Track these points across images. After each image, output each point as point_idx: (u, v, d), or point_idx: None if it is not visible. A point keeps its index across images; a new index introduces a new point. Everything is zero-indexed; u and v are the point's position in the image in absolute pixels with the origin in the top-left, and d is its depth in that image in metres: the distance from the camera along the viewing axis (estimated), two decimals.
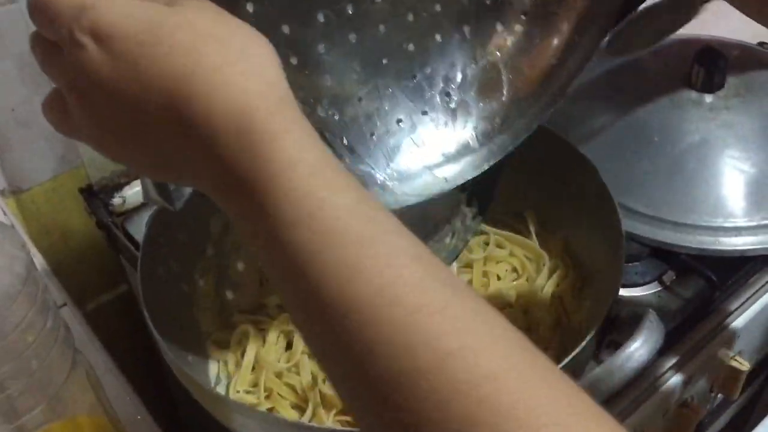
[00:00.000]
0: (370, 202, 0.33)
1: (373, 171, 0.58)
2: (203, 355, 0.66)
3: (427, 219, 0.65)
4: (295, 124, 0.33)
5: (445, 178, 0.58)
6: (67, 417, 0.59)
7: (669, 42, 0.92)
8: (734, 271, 0.76)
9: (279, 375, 0.64)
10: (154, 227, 0.64)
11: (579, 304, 0.66)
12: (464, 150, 0.60)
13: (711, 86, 0.80)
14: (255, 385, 0.64)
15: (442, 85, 0.60)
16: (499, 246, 0.69)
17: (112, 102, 0.34)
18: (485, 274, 0.67)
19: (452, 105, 0.60)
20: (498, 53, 0.60)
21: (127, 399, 0.72)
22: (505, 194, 0.74)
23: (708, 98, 0.80)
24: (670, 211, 0.75)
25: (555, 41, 0.60)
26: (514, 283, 0.67)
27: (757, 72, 0.83)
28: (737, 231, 0.74)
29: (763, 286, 0.75)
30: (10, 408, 0.56)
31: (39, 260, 0.82)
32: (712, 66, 0.79)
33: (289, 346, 0.66)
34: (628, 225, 0.66)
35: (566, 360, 0.52)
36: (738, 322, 0.74)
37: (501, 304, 0.66)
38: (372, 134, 0.58)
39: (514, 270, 0.69)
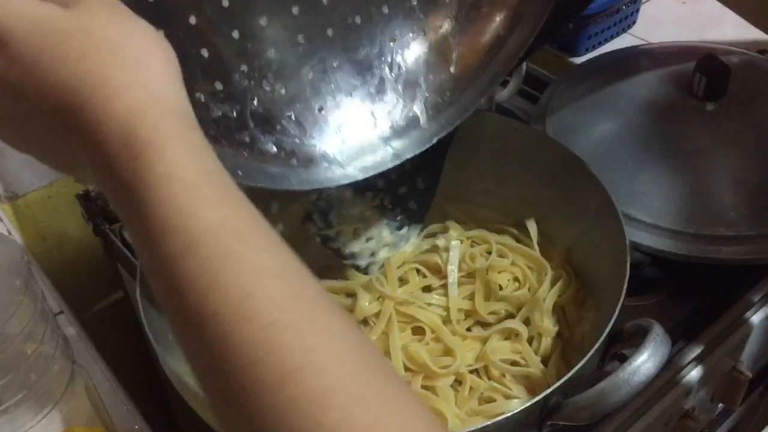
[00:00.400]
0: (243, 220, 0.33)
1: (319, 145, 0.58)
2: None
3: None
4: (179, 137, 0.33)
5: (395, 153, 0.58)
6: (65, 428, 0.58)
7: (670, 50, 0.92)
8: (736, 280, 0.75)
9: None
10: None
11: (581, 314, 0.65)
12: (413, 124, 0.60)
13: (713, 94, 0.79)
14: None
15: (391, 58, 0.60)
16: (502, 255, 0.69)
17: (11, 101, 0.35)
18: (487, 283, 0.66)
19: (402, 78, 0.60)
20: (446, 25, 0.59)
21: (124, 409, 0.71)
22: (506, 203, 0.74)
23: (709, 106, 0.79)
24: (672, 220, 0.74)
25: (502, 11, 0.59)
26: (516, 293, 0.66)
27: (759, 80, 0.83)
28: (739, 240, 0.74)
29: (764, 295, 0.75)
30: (7, 420, 0.55)
31: (35, 267, 0.81)
32: (714, 74, 0.78)
33: None
34: (630, 233, 0.65)
35: (569, 374, 0.51)
36: (740, 331, 0.73)
37: (502, 314, 0.66)
38: (321, 109, 0.58)
39: (516, 279, 0.68)
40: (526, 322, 0.65)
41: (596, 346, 0.53)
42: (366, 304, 0.64)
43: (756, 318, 0.74)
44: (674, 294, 0.75)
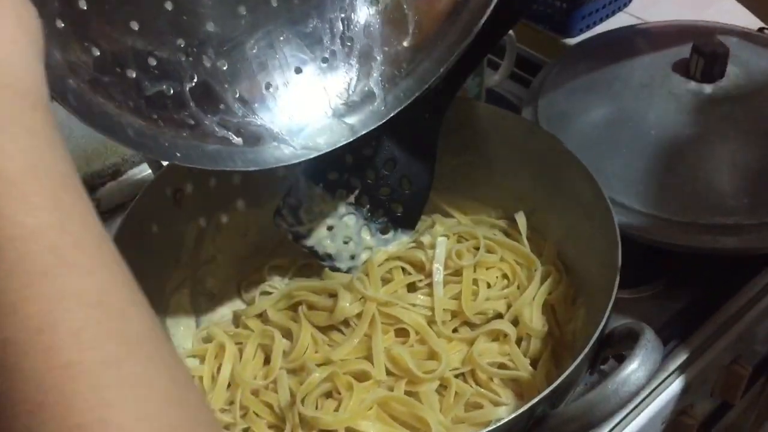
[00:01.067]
0: (71, 230, 0.28)
1: (266, 124, 0.54)
2: None
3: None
4: (10, 119, 0.29)
5: (351, 127, 0.55)
6: None
7: (666, 29, 0.87)
8: (734, 271, 0.72)
9: (256, 393, 0.60)
10: (123, 240, 0.59)
11: (572, 312, 0.62)
12: (369, 98, 0.56)
13: (711, 76, 0.75)
14: (231, 403, 0.60)
15: (342, 29, 0.56)
16: (490, 251, 0.65)
17: None
18: (475, 281, 0.63)
19: (354, 50, 0.56)
20: None
21: None
22: (495, 195, 0.71)
23: (707, 88, 0.75)
24: (668, 209, 0.71)
25: None
26: (504, 291, 0.63)
27: (759, 60, 0.79)
28: (738, 229, 0.70)
29: (764, 287, 0.71)
30: None
31: None
32: (712, 55, 0.74)
33: (267, 361, 0.63)
34: (623, 223, 0.62)
35: (556, 383, 0.48)
36: (739, 324, 0.70)
37: (490, 314, 0.62)
38: (268, 86, 0.55)
39: (505, 276, 0.65)
40: (515, 322, 0.61)
41: (584, 351, 0.49)
42: (347, 304, 0.61)
43: (755, 310, 0.71)
44: (670, 286, 0.72)
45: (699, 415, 0.71)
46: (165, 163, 0.65)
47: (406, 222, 0.67)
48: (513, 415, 0.46)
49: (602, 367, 0.62)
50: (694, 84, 0.76)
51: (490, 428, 0.46)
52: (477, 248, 0.65)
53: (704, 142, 0.74)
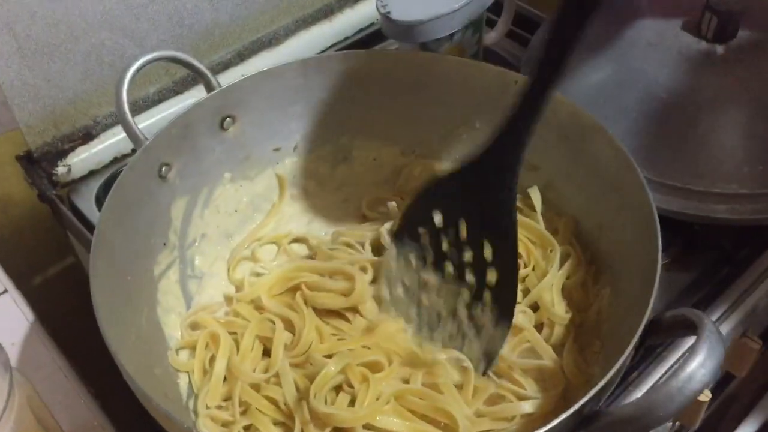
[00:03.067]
0: None
1: None
2: (169, 367, 0.55)
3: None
4: None
5: None
6: None
7: None
8: (747, 241, 0.67)
9: (256, 387, 0.53)
10: (110, 222, 0.52)
11: (595, 293, 0.56)
12: None
13: (723, 36, 0.69)
14: (228, 398, 0.53)
15: None
16: None
17: None
18: None
19: None
20: None
21: (81, 402, 0.61)
22: None
23: (720, 49, 0.69)
24: (681, 177, 0.66)
25: None
26: (520, 273, 0.57)
27: None
28: (753, 198, 0.65)
29: None
30: None
31: None
32: (727, 13, 0.68)
33: (267, 353, 0.56)
34: None
35: (607, 377, 0.42)
36: (753, 296, 0.65)
37: None
38: None
39: (519, 256, 0.59)
40: (533, 307, 0.56)
41: (633, 341, 0.44)
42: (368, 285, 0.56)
43: None
44: (681, 258, 0.67)
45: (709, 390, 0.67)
46: (147, 138, 0.57)
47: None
48: (563, 417, 0.41)
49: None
50: (705, 44, 0.70)
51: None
52: None
53: (717, 106, 0.68)
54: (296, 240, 0.65)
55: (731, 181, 0.65)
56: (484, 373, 0.52)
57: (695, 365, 0.40)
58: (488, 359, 0.53)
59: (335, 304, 0.56)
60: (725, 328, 0.64)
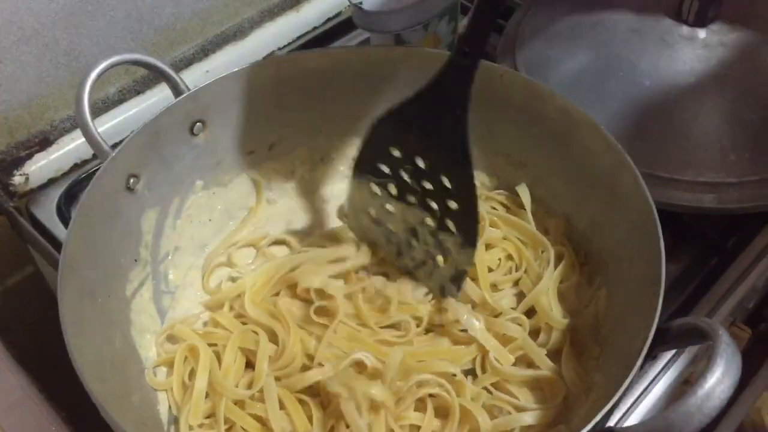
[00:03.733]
0: None
1: None
2: (148, 392, 0.51)
3: None
4: None
5: None
6: None
7: None
8: (735, 231, 0.65)
9: (241, 404, 0.50)
10: (78, 241, 0.48)
11: (591, 294, 0.54)
12: None
13: (704, 19, 0.67)
14: (211, 415, 0.50)
15: None
16: (492, 226, 0.56)
17: None
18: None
19: None
20: None
21: (53, 431, 0.57)
22: (491, 163, 0.61)
23: (701, 33, 0.67)
24: (666, 167, 0.64)
25: None
26: (511, 276, 0.54)
27: (750, 2, 0.71)
28: (740, 186, 0.64)
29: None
30: None
31: None
32: None
33: (249, 365, 0.53)
34: None
35: (618, 392, 0.40)
36: (743, 286, 0.64)
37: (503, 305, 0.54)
38: None
39: (509, 257, 0.56)
40: (529, 313, 0.53)
41: (643, 352, 0.42)
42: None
43: (760, 268, 0.65)
44: (669, 250, 0.64)
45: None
46: (112, 150, 0.52)
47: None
48: None
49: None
50: (687, 29, 0.68)
51: None
52: None
53: (701, 92, 0.66)
54: (276, 242, 0.61)
55: (718, 170, 0.64)
56: (454, 296, 0.53)
57: (713, 381, 0.38)
58: (457, 283, 0.53)
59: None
60: (716, 320, 0.62)
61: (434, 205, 0.53)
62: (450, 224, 0.52)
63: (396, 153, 0.53)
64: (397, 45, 0.67)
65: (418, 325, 0.53)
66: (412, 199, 0.54)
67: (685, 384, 0.65)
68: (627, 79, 0.67)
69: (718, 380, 0.38)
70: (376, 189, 0.55)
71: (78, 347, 0.43)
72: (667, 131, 0.65)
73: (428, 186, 0.52)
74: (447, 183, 0.51)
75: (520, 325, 0.52)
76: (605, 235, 0.54)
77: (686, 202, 0.63)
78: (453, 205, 0.51)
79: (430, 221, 0.54)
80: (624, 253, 0.52)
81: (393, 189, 0.54)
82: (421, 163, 0.52)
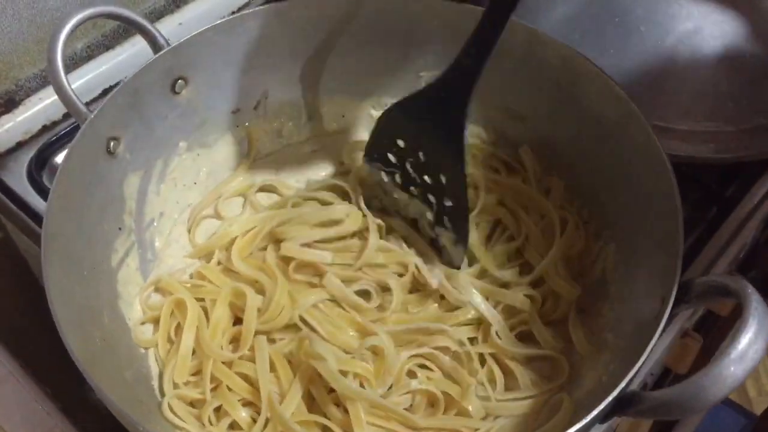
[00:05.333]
0: None
1: None
2: (141, 367, 0.48)
3: None
4: None
5: None
6: None
7: None
8: (734, 179, 0.64)
9: (228, 363, 0.48)
10: (60, 211, 0.44)
11: (597, 250, 0.52)
12: None
13: None
14: (197, 372, 0.48)
15: None
16: (491, 192, 0.55)
17: None
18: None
19: None
20: None
21: (39, 408, 0.54)
22: (486, 117, 0.58)
23: None
24: (663, 116, 0.62)
25: None
26: (513, 243, 0.53)
27: None
28: (738, 134, 0.62)
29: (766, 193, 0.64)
30: None
31: None
32: None
33: (237, 321, 0.50)
34: None
35: (641, 360, 0.39)
36: (742, 236, 0.63)
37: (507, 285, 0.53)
38: None
39: (497, 222, 0.55)
40: (536, 284, 0.52)
41: (665, 315, 0.40)
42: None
43: (758, 216, 0.64)
44: None
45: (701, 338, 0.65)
46: (91, 111, 0.48)
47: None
48: (602, 406, 0.37)
49: None
50: None
51: (577, 426, 0.36)
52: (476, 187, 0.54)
53: (699, 38, 0.64)
54: (263, 189, 0.59)
55: (716, 119, 0.62)
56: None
57: (746, 342, 0.36)
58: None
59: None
60: (718, 269, 0.61)
61: (432, 200, 0.53)
62: (446, 220, 0.53)
63: (401, 143, 0.53)
64: None
65: (401, 275, 0.52)
66: (414, 191, 0.54)
67: (684, 337, 0.64)
68: (622, 26, 0.65)
69: (751, 341, 0.36)
70: (385, 177, 0.55)
71: (70, 332, 0.40)
72: (664, 79, 0.63)
73: (428, 180, 0.53)
74: (443, 180, 0.51)
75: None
76: (614, 190, 0.52)
77: (684, 152, 0.61)
78: (447, 202, 0.52)
79: (429, 215, 0.54)
80: (635, 208, 0.49)
81: (399, 179, 0.55)
82: (422, 157, 0.52)
